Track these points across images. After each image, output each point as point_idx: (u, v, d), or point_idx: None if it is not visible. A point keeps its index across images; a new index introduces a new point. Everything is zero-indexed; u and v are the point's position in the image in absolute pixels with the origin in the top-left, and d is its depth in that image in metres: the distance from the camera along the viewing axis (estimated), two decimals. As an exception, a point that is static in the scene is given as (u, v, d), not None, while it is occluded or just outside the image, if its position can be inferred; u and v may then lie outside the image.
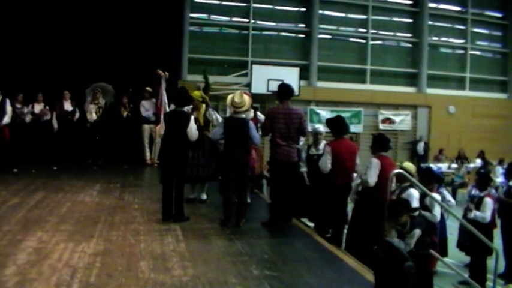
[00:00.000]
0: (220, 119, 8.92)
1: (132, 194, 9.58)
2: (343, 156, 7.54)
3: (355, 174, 8.58)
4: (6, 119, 11.56)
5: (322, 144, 8.66)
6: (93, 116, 13.60)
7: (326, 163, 7.46)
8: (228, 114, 10.99)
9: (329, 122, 8.08)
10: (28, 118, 13.10)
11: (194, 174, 8.70)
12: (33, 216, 7.57)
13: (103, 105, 13.86)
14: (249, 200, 9.08)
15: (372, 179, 7.33)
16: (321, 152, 8.35)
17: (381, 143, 7.78)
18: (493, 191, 9.52)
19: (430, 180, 8.34)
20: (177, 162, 7.69)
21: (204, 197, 9.27)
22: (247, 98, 7.88)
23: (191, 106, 8.54)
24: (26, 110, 13.05)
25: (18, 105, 12.92)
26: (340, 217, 7.84)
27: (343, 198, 7.84)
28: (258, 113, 9.31)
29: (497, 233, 9.22)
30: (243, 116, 7.86)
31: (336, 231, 7.85)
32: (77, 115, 13.64)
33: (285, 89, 7.84)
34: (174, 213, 7.68)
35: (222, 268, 5.66)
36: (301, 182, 8.53)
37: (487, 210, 8.80)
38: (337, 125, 7.88)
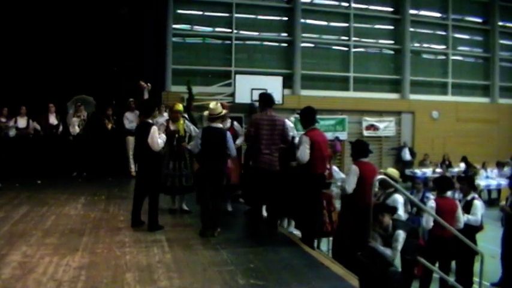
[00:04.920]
0: (197, 130, 9.02)
1: (117, 206, 9.57)
2: (320, 145, 7.45)
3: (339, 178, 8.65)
4: None
5: (290, 137, 8.45)
6: (76, 129, 13.56)
7: (305, 153, 7.31)
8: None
9: (302, 113, 7.83)
10: (12, 132, 13.03)
11: (177, 185, 8.78)
12: (17, 230, 7.54)
13: (86, 117, 13.83)
14: (230, 209, 9.13)
15: (350, 186, 7.33)
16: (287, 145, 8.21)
17: (359, 149, 7.79)
18: (476, 195, 9.57)
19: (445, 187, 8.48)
20: (144, 173, 7.84)
21: (186, 207, 9.33)
22: (220, 106, 7.98)
23: (166, 118, 8.61)
24: (10, 123, 12.99)
25: (3, 119, 12.89)
26: (315, 206, 7.72)
27: (320, 188, 7.76)
28: (235, 123, 9.33)
29: (480, 236, 9.28)
30: (220, 125, 7.94)
31: (310, 221, 7.77)
32: (60, 128, 13.59)
33: (266, 98, 7.86)
34: (147, 222, 7.82)
35: (208, 278, 5.67)
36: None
37: (478, 213, 8.86)
38: (309, 115, 7.78)
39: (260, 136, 7.53)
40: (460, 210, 8.27)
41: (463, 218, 8.29)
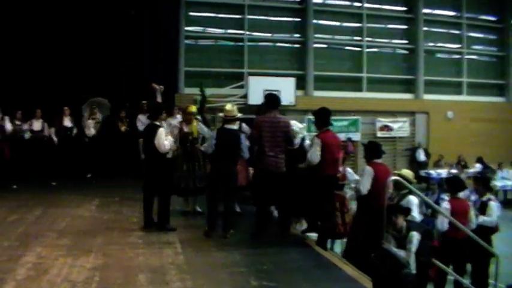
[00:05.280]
0: (210, 132, 9.03)
1: (130, 208, 9.61)
2: (332, 148, 7.44)
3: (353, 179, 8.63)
4: None
5: (299, 138, 8.40)
6: (91, 131, 13.68)
7: (316, 155, 7.29)
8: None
9: (316, 114, 7.84)
10: (27, 135, 13.16)
11: (191, 186, 8.81)
12: (32, 232, 7.62)
13: (100, 119, 13.92)
14: (238, 210, 9.12)
15: (365, 187, 7.30)
16: (296, 146, 8.17)
17: (372, 150, 7.78)
18: (492, 196, 9.48)
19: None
20: (153, 175, 7.93)
21: (199, 209, 9.35)
22: (236, 109, 8.03)
23: (179, 120, 8.63)
24: (25, 126, 13.12)
25: (18, 122, 13.02)
26: (327, 208, 7.72)
27: (331, 189, 7.72)
28: (243, 124, 9.33)
29: (496, 238, 9.19)
30: (235, 127, 7.98)
31: (323, 222, 7.76)
32: (75, 131, 13.70)
33: (271, 99, 7.83)
34: (155, 222, 7.92)
35: (220, 280, 5.70)
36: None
37: (494, 214, 8.77)
38: (323, 116, 7.75)
39: (263, 138, 7.50)
40: (472, 211, 8.22)
41: (474, 218, 8.24)
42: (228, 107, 7.97)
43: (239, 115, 8.09)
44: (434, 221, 9.26)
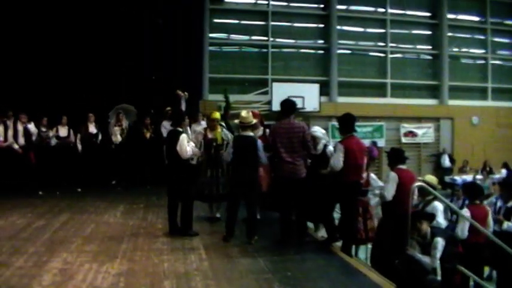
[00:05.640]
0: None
1: (156, 214, 9.68)
2: (355, 154, 7.38)
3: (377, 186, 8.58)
4: None
5: (321, 144, 8.34)
6: (118, 138, 13.77)
7: (339, 161, 7.25)
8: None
9: (340, 120, 7.84)
10: (53, 141, 13.31)
11: (214, 192, 8.84)
12: (58, 238, 7.70)
13: (127, 126, 14.01)
14: (258, 217, 9.10)
15: (389, 193, 7.28)
16: (319, 152, 8.12)
17: (395, 156, 7.77)
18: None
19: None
20: (175, 180, 7.99)
21: (218, 215, 9.37)
22: (251, 116, 8.01)
23: (204, 126, 8.64)
24: (51, 133, 13.28)
25: (43, 129, 13.18)
26: (350, 214, 7.66)
27: (354, 195, 7.64)
28: (268, 131, 9.31)
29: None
30: (251, 134, 7.96)
31: (347, 228, 7.73)
32: (100, 137, 13.82)
33: (286, 105, 7.77)
34: (180, 228, 7.98)
35: (245, 286, 5.69)
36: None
37: None
38: (347, 122, 7.70)
39: (278, 145, 7.47)
40: (490, 216, 8.13)
41: (493, 223, 8.15)
42: (244, 113, 7.95)
43: (255, 121, 8.09)
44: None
